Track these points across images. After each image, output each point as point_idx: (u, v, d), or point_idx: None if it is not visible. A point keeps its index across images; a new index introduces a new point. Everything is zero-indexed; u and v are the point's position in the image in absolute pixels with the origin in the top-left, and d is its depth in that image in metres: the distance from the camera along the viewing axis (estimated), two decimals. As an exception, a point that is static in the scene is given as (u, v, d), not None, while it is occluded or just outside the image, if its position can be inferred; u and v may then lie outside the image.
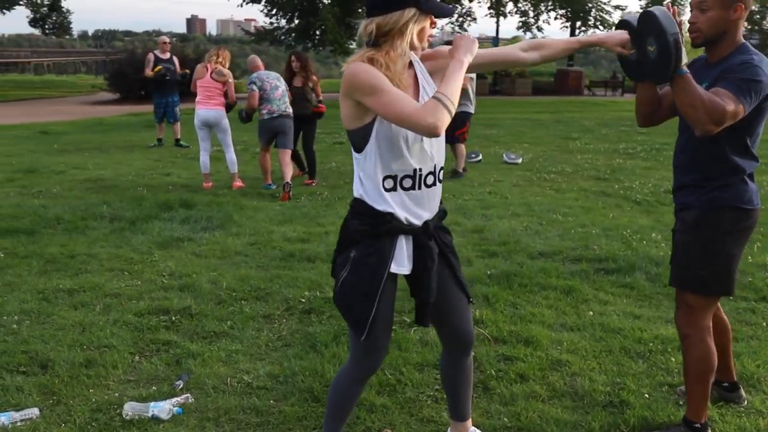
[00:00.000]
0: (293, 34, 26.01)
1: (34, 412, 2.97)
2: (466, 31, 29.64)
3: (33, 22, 30.26)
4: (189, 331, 3.89)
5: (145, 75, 11.57)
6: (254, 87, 7.70)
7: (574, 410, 3.00)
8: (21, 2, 28.25)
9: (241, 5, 27.13)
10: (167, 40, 12.00)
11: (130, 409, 2.99)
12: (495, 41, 31.22)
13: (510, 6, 28.42)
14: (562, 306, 4.20)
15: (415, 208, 2.25)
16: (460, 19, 28.84)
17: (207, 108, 7.88)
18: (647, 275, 4.74)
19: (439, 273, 2.34)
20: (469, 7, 29.16)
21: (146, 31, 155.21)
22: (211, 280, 4.70)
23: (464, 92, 8.70)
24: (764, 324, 3.90)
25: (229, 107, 8.07)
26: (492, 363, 3.42)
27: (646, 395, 3.09)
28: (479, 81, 29.14)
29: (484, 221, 6.38)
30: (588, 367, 3.38)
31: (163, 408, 2.99)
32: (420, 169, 2.23)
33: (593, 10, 29.08)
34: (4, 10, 27.24)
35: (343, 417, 2.49)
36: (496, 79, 29.26)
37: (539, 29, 29.00)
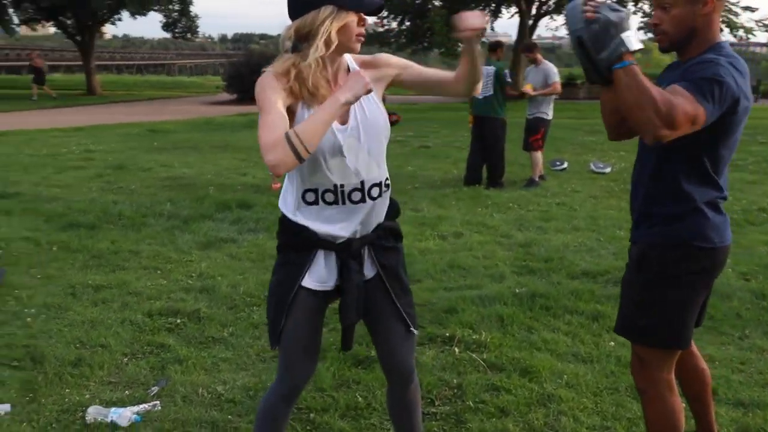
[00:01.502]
0: (403, 37, 26.07)
1: (5, 408, 3.05)
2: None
3: (165, 27, 32.24)
4: (188, 335, 3.89)
5: None
6: None
7: (544, 455, 2.69)
8: (154, 8, 30.14)
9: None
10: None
11: (93, 412, 3.01)
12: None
13: (630, 6, 26.80)
14: (582, 333, 3.83)
15: (337, 224, 2.12)
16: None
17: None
18: (695, 304, 4.25)
19: (372, 298, 2.20)
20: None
21: (279, 34, 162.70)
22: (233, 284, 4.69)
23: (541, 99, 8.27)
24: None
25: None
26: (477, 393, 3.16)
27: (633, 445, 2.73)
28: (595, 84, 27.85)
29: (537, 234, 6.00)
30: (580, 406, 3.03)
31: (123, 414, 2.98)
32: (342, 185, 2.09)
33: (723, 8, 26.91)
34: (138, 15, 29.22)
35: None
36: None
37: (664, 29, 27.08)
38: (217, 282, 4.72)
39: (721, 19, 2.25)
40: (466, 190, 8.04)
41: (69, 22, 30.29)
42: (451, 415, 2.99)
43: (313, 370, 2.30)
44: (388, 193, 2.21)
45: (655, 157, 2.18)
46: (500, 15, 26.62)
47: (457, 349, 3.61)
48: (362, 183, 2.11)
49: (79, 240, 5.74)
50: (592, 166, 9.69)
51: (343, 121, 2.08)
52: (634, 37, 1.99)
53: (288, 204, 2.17)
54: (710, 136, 2.05)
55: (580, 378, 3.29)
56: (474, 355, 3.51)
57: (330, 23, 1.98)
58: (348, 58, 2.17)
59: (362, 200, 2.12)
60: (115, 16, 31.59)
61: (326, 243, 2.13)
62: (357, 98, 1.95)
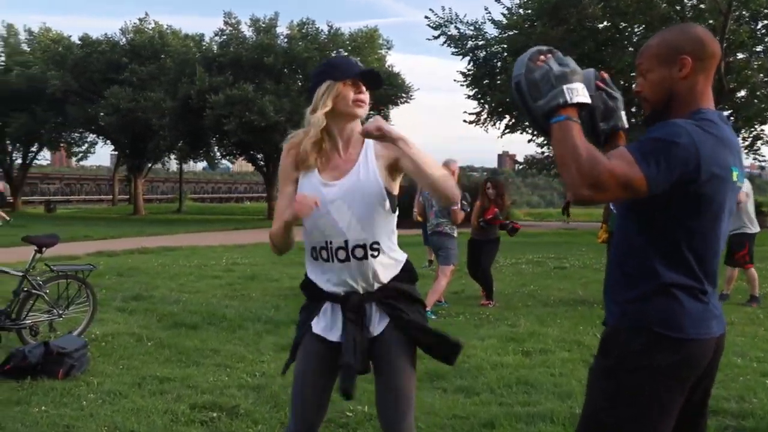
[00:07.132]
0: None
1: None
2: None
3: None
4: (217, 428, 3.88)
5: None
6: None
7: None
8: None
9: (501, 136, 28.72)
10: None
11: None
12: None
13: None
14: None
15: (331, 280, 2.36)
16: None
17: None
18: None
19: (379, 353, 2.34)
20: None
21: (460, 167, 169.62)
22: (286, 384, 4.63)
23: (738, 212, 7.53)
24: None
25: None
26: None
27: None
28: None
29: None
30: None
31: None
32: (331, 242, 2.33)
33: None
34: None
35: None
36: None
37: None
38: (271, 382, 4.72)
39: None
40: (580, 309, 7.50)
41: (259, 156, 33.71)
42: None
43: (320, 417, 2.41)
44: (382, 256, 2.33)
45: (625, 229, 1.96)
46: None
47: (473, 465, 3.25)
48: (346, 242, 2.31)
49: (175, 338, 6.05)
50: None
51: (336, 178, 2.30)
52: (579, 90, 1.81)
53: (305, 259, 2.46)
54: (677, 209, 1.80)
55: None
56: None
57: (327, 95, 2.26)
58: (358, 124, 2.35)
59: (347, 259, 2.32)
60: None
61: (331, 296, 2.37)
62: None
